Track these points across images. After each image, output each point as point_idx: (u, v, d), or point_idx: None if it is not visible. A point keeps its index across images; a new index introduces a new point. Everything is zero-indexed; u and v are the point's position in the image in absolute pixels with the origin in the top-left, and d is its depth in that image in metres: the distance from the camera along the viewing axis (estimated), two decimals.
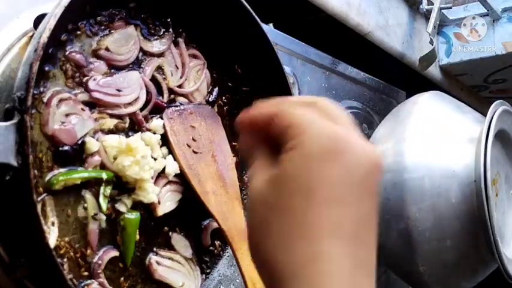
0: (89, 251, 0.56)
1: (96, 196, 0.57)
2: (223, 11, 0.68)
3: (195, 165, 0.66)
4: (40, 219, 0.45)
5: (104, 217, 0.58)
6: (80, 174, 0.56)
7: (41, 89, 0.54)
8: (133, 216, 0.60)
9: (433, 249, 0.84)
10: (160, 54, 0.67)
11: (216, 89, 0.74)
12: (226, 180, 0.69)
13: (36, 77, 0.46)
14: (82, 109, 0.57)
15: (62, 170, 0.55)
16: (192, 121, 0.68)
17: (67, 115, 0.55)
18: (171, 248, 0.65)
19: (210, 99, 0.73)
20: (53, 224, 0.53)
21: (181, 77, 0.69)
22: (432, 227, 0.83)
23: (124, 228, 0.59)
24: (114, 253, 0.59)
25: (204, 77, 0.72)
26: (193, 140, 0.67)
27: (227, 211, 0.67)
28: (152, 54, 0.66)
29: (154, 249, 0.64)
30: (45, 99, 0.54)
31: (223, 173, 0.69)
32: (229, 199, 0.68)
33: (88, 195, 0.57)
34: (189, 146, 0.67)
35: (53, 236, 0.53)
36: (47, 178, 0.53)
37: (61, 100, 0.55)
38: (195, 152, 0.67)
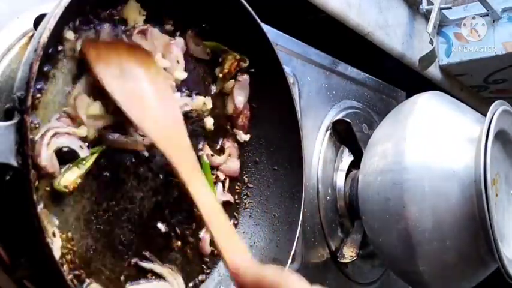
0: None
1: None
2: (223, 11, 0.68)
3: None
4: (40, 219, 0.45)
5: None
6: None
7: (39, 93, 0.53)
8: None
9: (433, 250, 0.84)
10: None
11: None
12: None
13: (36, 77, 0.46)
14: (80, 147, 0.56)
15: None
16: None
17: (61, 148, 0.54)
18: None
19: None
20: (54, 234, 0.53)
21: None
22: (432, 227, 0.83)
23: None
24: None
25: None
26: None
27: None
28: None
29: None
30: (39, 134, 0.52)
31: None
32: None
33: None
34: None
35: (56, 245, 0.53)
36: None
37: (56, 134, 0.54)
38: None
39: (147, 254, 0.62)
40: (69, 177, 0.54)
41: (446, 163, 0.85)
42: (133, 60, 0.61)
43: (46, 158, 0.51)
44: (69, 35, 0.56)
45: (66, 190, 0.54)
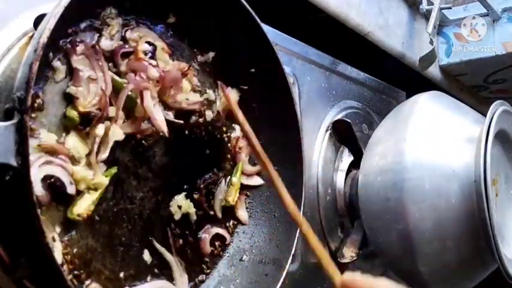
0: None
1: None
2: (223, 11, 0.68)
3: None
4: (40, 220, 0.45)
5: None
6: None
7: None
8: None
9: (433, 250, 0.84)
10: None
11: None
12: None
13: (36, 77, 0.46)
14: (70, 182, 0.54)
15: None
16: None
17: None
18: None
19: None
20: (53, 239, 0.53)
21: None
22: (432, 227, 0.83)
23: None
24: None
25: None
26: None
27: None
28: None
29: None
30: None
31: None
32: None
33: None
34: None
35: (57, 250, 0.53)
36: None
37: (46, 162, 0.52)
38: None
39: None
40: (83, 205, 0.54)
41: (446, 163, 0.85)
42: None
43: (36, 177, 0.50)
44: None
45: (80, 218, 0.54)
